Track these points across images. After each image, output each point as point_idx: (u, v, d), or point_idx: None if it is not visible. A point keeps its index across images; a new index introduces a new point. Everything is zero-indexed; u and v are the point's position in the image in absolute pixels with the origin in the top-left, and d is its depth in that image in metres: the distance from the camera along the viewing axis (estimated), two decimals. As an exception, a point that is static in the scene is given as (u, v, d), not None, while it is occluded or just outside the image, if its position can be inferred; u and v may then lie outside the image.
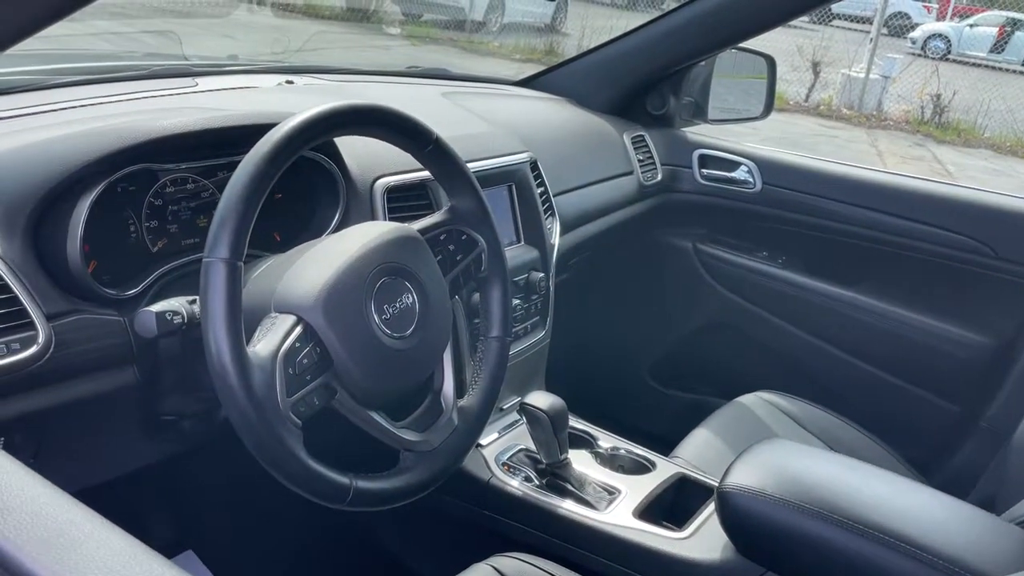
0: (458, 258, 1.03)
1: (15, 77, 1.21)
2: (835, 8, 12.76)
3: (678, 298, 2.04)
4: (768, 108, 2.07)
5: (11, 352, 0.84)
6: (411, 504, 1.33)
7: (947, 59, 12.93)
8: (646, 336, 2.07)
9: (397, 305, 0.92)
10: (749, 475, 1.10)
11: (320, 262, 0.89)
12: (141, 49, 1.16)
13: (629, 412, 1.47)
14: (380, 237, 0.93)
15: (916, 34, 14.04)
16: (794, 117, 9.47)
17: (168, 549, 1.51)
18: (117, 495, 1.44)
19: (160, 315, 0.87)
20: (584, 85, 1.97)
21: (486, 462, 1.30)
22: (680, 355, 2.07)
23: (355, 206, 1.18)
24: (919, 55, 12.60)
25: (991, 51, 13.65)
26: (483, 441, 1.33)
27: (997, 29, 13.98)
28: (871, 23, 10.31)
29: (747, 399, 1.59)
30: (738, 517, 1.09)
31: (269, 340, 0.82)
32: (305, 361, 0.84)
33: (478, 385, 1.05)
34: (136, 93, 1.24)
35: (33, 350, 0.85)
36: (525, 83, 2.04)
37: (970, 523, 1.05)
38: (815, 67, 10.04)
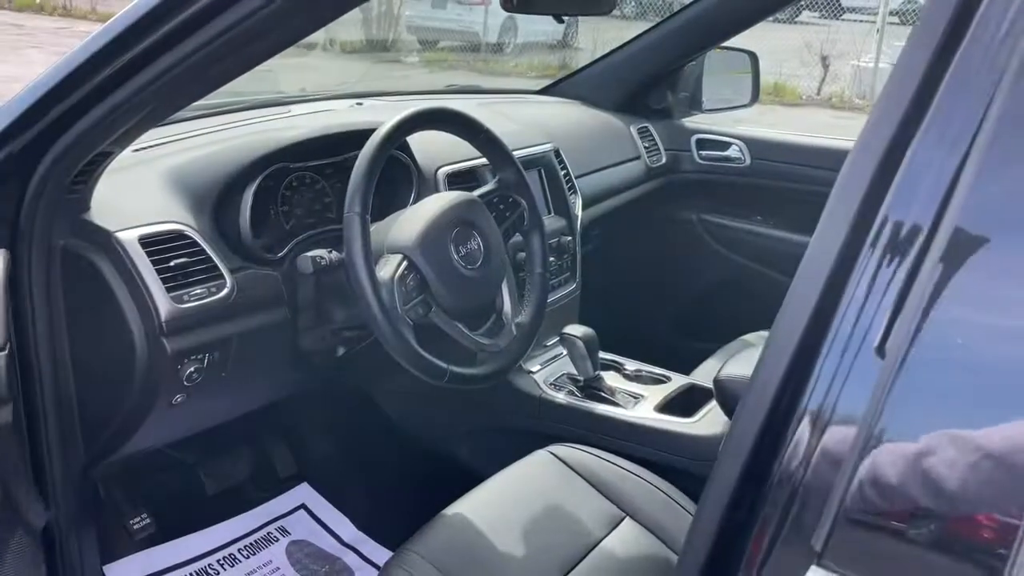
0: (507, 215, 1.42)
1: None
2: (845, 2, 13.02)
3: (688, 262, 2.40)
4: (755, 96, 2.43)
5: (211, 294, 1.24)
6: (480, 423, 1.71)
7: (957, 43, 13.03)
8: (663, 295, 2.43)
9: (468, 246, 1.30)
10: (739, 367, 1.46)
11: (413, 219, 1.28)
12: (246, 87, 1.57)
13: (650, 357, 1.81)
14: (453, 200, 1.32)
15: (924, 20, 14.15)
16: (807, 111, 9.75)
17: (289, 481, 1.91)
18: (255, 432, 1.84)
19: (313, 258, 1.26)
20: (593, 88, 2.35)
21: (536, 383, 1.67)
22: (693, 310, 2.43)
23: (424, 187, 1.57)
24: (929, 41, 12.72)
25: (1001, 31, 13.73)
26: (532, 369, 1.70)
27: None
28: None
29: (749, 336, 1.94)
30: (732, 398, 1.45)
31: (387, 270, 1.21)
32: (411, 283, 1.22)
33: (528, 306, 1.43)
34: (251, 119, 1.64)
35: (225, 292, 1.25)
36: (544, 91, 2.44)
37: None
38: (824, 61, 10.31)
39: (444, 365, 1.25)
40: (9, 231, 1.15)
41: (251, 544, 1.75)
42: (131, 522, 1.57)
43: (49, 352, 1.20)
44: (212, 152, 1.38)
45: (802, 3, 11.48)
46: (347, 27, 11.10)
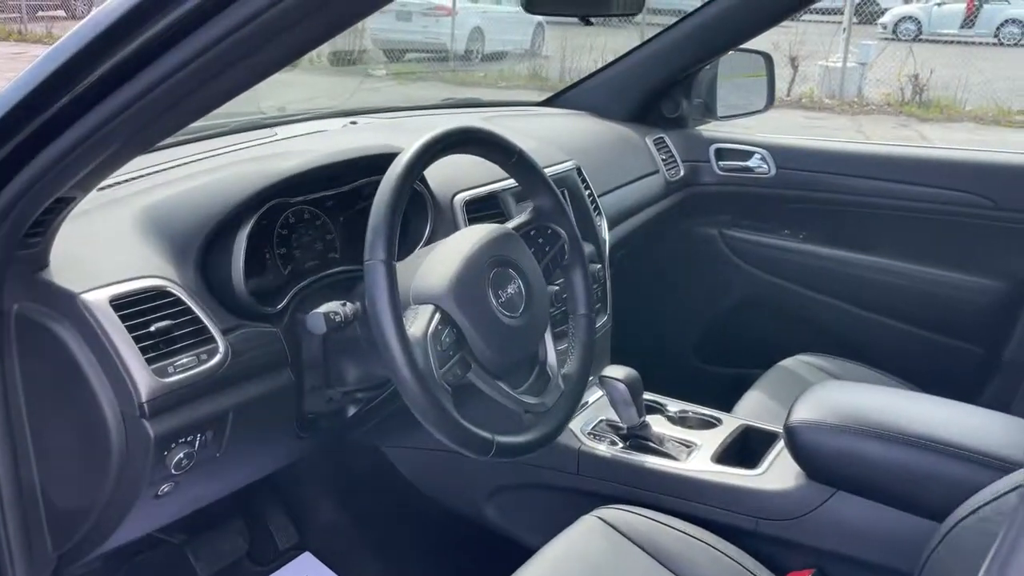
0: (546, 249, 1.22)
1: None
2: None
3: (711, 281, 2.22)
4: (770, 100, 2.26)
5: (201, 362, 1.02)
6: (511, 480, 1.51)
7: (920, 40, 13.18)
8: (687, 319, 2.25)
9: (508, 290, 1.10)
10: (810, 411, 1.28)
11: (444, 261, 1.07)
12: (223, 108, 1.36)
13: (680, 390, 1.64)
14: (487, 235, 1.11)
15: (886, 19, 14.31)
16: (779, 112, 9.68)
17: (289, 552, 1.68)
18: (249, 500, 1.61)
19: (327, 316, 1.04)
20: (602, 99, 2.16)
21: (574, 433, 1.46)
22: (720, 333, 2.25)
23: (440, 218, 1.36)
24: (892, 39, 12.85)
25: (962, 27, 13.92)
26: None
27: (966, 5, 14.27)
28: (842, 14, 10.58)
29: (788, 363, 1.76)
30: (806, 447, 1.26)
31: (417, 325, 1.00)
32: (447, 340, 1.02)
33: (574, 355, 1.23)
34: (233, 146, 1.42)
35: (217, 359, 1.03)
36: (547, 103, 2.24)
37: (1003, 425, 1.22)
38: (793, 61, 10.29)
39: (490, 437, 1.04)
40: None
41: (250, 630, 1.53)
42: None
43: (6, 444, 0.98)
44: (195, 187, 1.16)
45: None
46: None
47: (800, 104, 10.16)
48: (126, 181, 1.21)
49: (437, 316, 1.02)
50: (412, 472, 1.59)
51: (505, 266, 1.11)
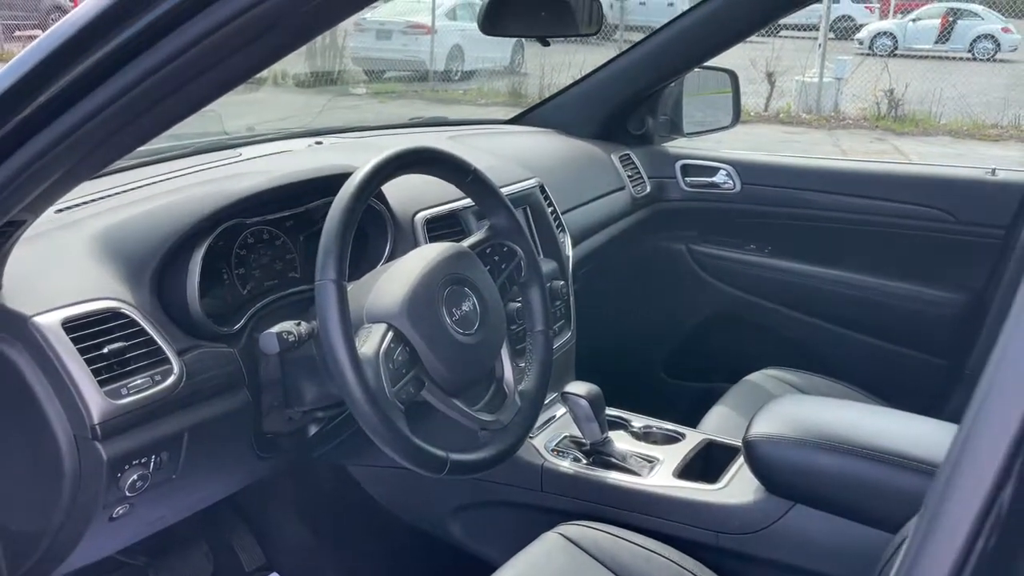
0: (503, 267, 1.23)
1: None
2: (781, 20, 13.21)
3: (679, 296, 2.23)
4: (736, 116, 2.29)
5: (155, 383, 1.02)
6: (475, 497, 1.51)
7: (895, 55, 13.37)
8: (655, 334, 2.26)
9: (463, 308, 1.11)
10: (769, 425, 1.29)
11: (397, 279, 1.08)
12: (188, 129, 1.37)
13: (648, 405, 1.65)
14: (441, 254, 1.12)
15: (862, 35, 14.52)
16: (757, 127, 9.80)
17: (255, 574, 1.67)
18: (213, 521, 1.61)
19: (280, 335, 1.05)
20: (568, 116, 2.18)
21: (537, 450, 1.47)
22: (688, 348, 2.26)
23: (401, 236, 1.37)
24: (868, 54, 13.03)
25: (937, 42, 14.13)
26: (531, 433, 1.50)
27: (940, 20, 14.50)
28: (817, 29, 10.73)
29: (754, 377, 1.78)
30: (764, 461, 1.27)
31: (370, 344, 1.01)
32: (399, 358, 1.02)
33: (531, 372, 1.23)
34: (197, 166, 1.43)
35: (171, 380, 1.04)
36: (515, 121, 2.26)
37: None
38: (770, 77, 10.41)
39: (443, 454, 1.05)
40: None
41: (216, 654, 1.51)
42: None
43: None
44: (151, 210, 1.16)
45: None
46: (292, 60, 10.90)
47: (778, 119, 10.26)
48: (81, 204, 1.21)
49: (390, 334, 1.02)
50: (377, 490, 1.59)
51: (460, 284, 1.11)
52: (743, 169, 2.13)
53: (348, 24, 11.48)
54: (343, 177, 1.11)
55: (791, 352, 2.10)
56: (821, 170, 2.07)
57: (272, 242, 1.26)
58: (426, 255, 1.12)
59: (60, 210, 1.21)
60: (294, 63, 10.99)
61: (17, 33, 14.20)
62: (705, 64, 2.15)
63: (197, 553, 1.59)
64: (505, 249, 1.23)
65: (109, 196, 1.25)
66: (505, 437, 1.15)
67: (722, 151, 2.21)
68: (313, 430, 1.31)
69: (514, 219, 1.24)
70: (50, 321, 0.97)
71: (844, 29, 13.28)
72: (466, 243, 1.19)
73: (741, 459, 1.38)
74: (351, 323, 0.98)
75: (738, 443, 1.43)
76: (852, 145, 8.86)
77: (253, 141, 1.68)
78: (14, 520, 1.04)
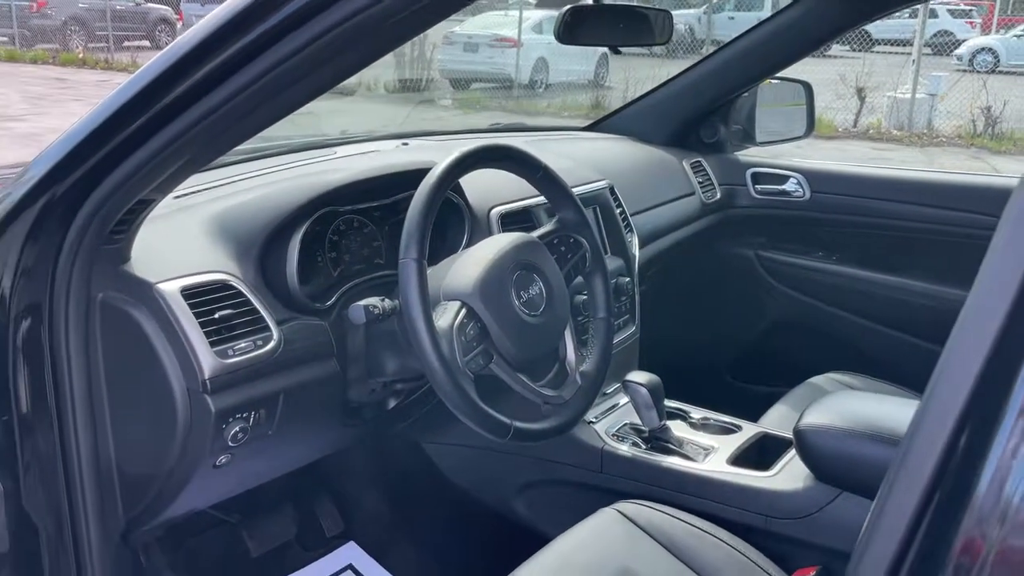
0: (569, 257, 1.33)
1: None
2: (875, 34, 12.94)
3: (745, 300, 2.29)
4: (810, 127, 2.33)
5: (257, 348, 1.16)
6: (538, 476, 1.61)
7: (997, 71, 12.90)
8: (721, 337, 2.32)
9: (530, 291, 1.21)
10: (820, 416, 1.35)
11: (471, 263, 1.19)
12: (291, 131, 1.53)
13: (710, 404, 1.71)
14: (512, 242, 1.23)
15: (962, 51, 14.03)
16: (845, 143, 9.63)
17: (335, 540, 1.81)
18: (299, 488, 1.75)
19: (366, 308, 1.18)
20: (642, 124, 2.27)
21: (598, 434, 1.56)
22: (753, 351, 2.31)
23: (476, 229, 1.49)
24: (967, 71, 12.60)
25: (1042, 58, 13.57)
26: (592, 419, 1.60)
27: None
28: (911, 45, 10.47)
29: (817, 380, 1.83)
30: (814, 449, 1.34)
31: (445, 318, 1.12)
32: (471, 333, 1.14)
33: (592, 354, 1.33)
34: (296, 162, 1.58)
35: (271, 345, 1.17)
36: (590, 128, 2.36)
37: None
38: (860, 92, 10.21)
39: (508, 421, 1.15)
40: (46, 285, 1.09)
41: (297, 609, 1.65)
42: None
43: (87, 413, 1.13)
44: (256, 197, 1.31)
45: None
46: (381, 70, 11.27)
47: (867, 135, 10.06)
48: (196, 192, 1.37)
49: (463, 311, 1.14)
50: (448, 468, 1.70)
51: (528, 270, 1.22)
52: (813, 178, 2.18)
53: (437, 37, 11.80)
54: (426, 172, 1.23)
55: (855, 358, 2.13)
56: (890, 179, 2.10)
57: (361, 230, 1.40)
58: (499, 242, 1.23)
59: (178, 196, 1.38)
60: (383, 73, 11.36)
61: (126, 44, 15.08)
62: (778, 75, 2.21)
63: (283, 516, 1.73)
64: (572, 241, 1.33)
65: (221, 186, 1.40)
66: (565, 411, 1.25)
67: (793, 160, 2.26)
68: (392, 403, 1.44)
69: (581, 213, 1.34)
70: (171, 288, 1.12)
71: (942, 45, 12.88)
72: (536, 233, 1.30)
73: (793, 450, 1.44)
74: (429, 299, 1.09)
75: (791, 436, 1.49)
76: (947, 163, 8.62)
77: (346, 142, 1.83)
78: (132, 463, 1.19)
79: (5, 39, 14.93)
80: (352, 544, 1.81)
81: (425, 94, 11.55)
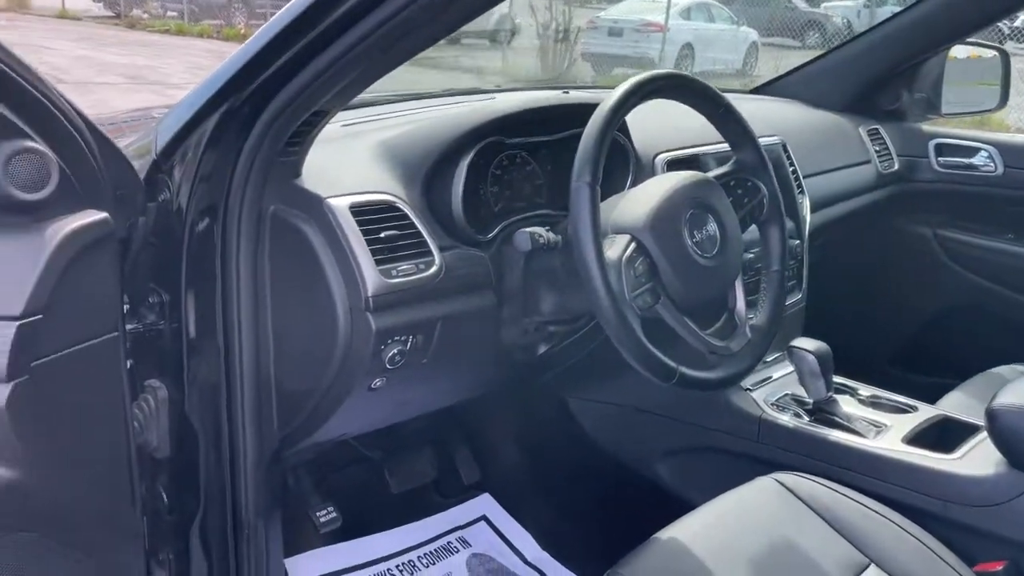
0: (744, 201, 1.24)
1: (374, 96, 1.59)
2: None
3: (920, 281, 2.11)
4: (1003, 99, 2.13)
5: (419, 271, 1.14)
6: (687, 442, 1.53)
7: None
8: (889, 317, 2.15)
9: (703, 232, 1.14)
10: (1018, 396, 1.21)
11: (644, 198, 1.13)
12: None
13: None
14: (688, 179, 1.16)
15: None
16: (1019, 143, 8.88)
17: (471, 490, 1.79)
18: (440, 433, 1.74)
19: (532, 235, 1.13)
20: (814, 88, 2.12)
21: (756, 402, 1.46)
22: (923, 334, 2.13)
23: (641, 175, 1.42)
24: None
25: None
26: (750, 386, 1.50)
27: None
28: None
29: (1000, 369, 1.65)
30: (1010, 432, 1.19)
31: (614, 250, 1.06)
32: (640, 268, 1.07)
33: (764, 307, 1.24)
34: (458, 102, 1.56)
35: (433, 270, 1.15)
36: (756, 91, 2.23)
37: None
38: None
39: (674, 364, 1.08)
40: (222, 194, 1.10)
41: (431, 553, 1.64)
42: (318, 514, 1.50)
43: (252, 326, 1.14)
44: (425, 124, 1.29)
45: (1005, 32, 10.60)
46: (522, 58, 11.31)
47: (1042, 136, 9.26)
48: (364, 122, 1.37)
49: (633, 245, 1.07)
50: (592, 426, 1.65)
51: (702, 209, 1.15)
52: (1007, 151, 1.98)
53: (581, 22, 11.72)
54: (595, 106, 1.18)
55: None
56: None
57: (523, 167, 1.36)
58: (672, 178, 1.16)
59: (346, 125, 1.38)
60: (523, 60, 11.39)
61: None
62: (971, 40, 2.02)
63: (423, 459, 1.73)
64: (749, 184, 1.25)
65: (388, 117, 1.40)
66: (734, 363, 1.17)
67: (984, 132, 2.06)
68: (542, 348, 1.39)
69: (761, 156, 1.25)
70: (341, 204, 1.11)
71: None
72: (712, 173, 1.22)
73: (981, 435, 1.30)
74: (599, 225, 1.04)
75: (980, 422, 1.34)
76: None
77: (505, 91, 1.79)
78: (290, 380, 1.20)
79: (175, 14, 15.93)
80: (487, 496, 1.79)
81: (567, 78, 11.49)
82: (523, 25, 11.60)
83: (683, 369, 1.09)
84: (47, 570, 0.92)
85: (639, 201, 1.12)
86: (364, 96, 1.39)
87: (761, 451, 1.43)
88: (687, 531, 1.16)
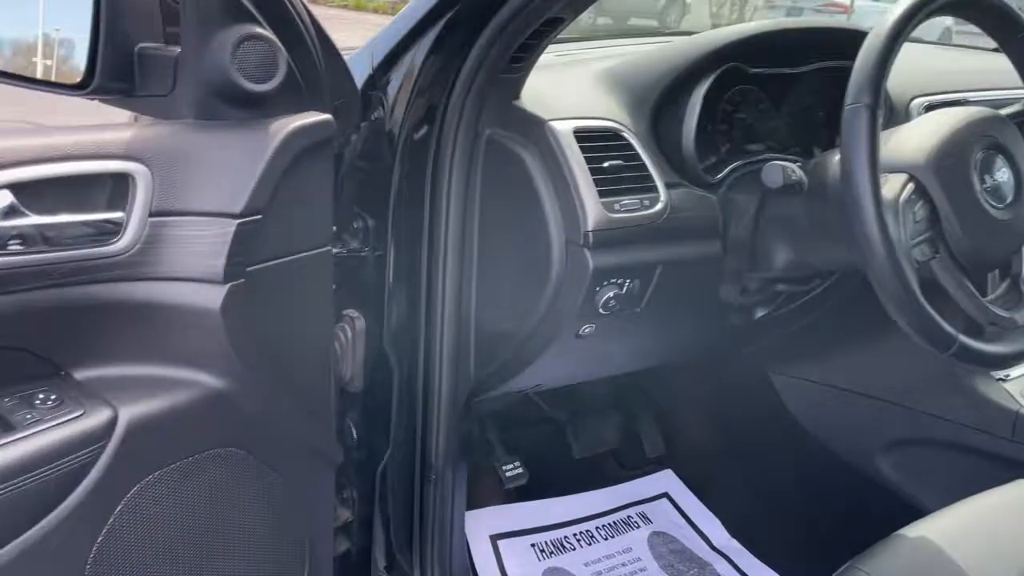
0: None
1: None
2: None
3: None
4: None
5: (643, 208, 1.02)
6: (917, 433, 1.33)
7: None
8: None
9: (996, 177, 0.95)
10: None
11: (926, 131, 0.95)
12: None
13: None
14: (978, 114, 0.97)
15: None
16: None
17: (652, 465, 1.67)
18: (627, 401, 1.62)
19: (785, 169, 0.98)
20: None
21: (1011, 394, 1.25)
22: None
23: (894, 123, 1.23)
24: None
25: None
26: (1002, 375, 1.28)
27: None
28: None
29: None
30: None
31: (888, 189, 0.90)
32: (919, 213, 0.90)
33: None
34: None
35: (658, 207, 1.03)
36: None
37: None
38: None
39: (952, 331, 0.90)
40: (438, 114, 1.02)
41: (610, 525, 1.53)
42: (504, 468, 1.42)
43: (457, 259, 1.06)
44: (655, 50, 1.17)
45: None
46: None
47: None
48: (582, 51, 1.26)
49: (911, 185, 0.90)
50: (800, 408, 1.48)
51: (995, 151, 0.95)
52: None
53: (759, 1, 11.18)
54: (852, 36, 1.01)
55: None
56: None
57: (756, 105, 1.20)
58: (959, 113, 0.98)
59: (560, 55, 1.27)
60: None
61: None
62: None
63: (608, 426, 1.62)
64: None
65: (610, 47, 1.29)
66: (1021, 339, 0.97)
67: None
68: (760, 313, 1.25)
69: None
70: (564, 128, 1.01)
71: None
72: (1006, 111, 1.02)
73: None
74: (879, 156, 0.87)
75: None
76: None
77: None
78: (491, 319, 1.11)
79: (353, -10, 16.53)
80: (670, 473, 1.66)
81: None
82: (693, 5, 11.21)
83: (963, 338, 0.91)
84: (241, 492, 0.87)
85: (919, 135, 0.95)
86: (574, 31, 1.29)
87: (1015, 451, 1.22)
88: (937, 531, 0.98)
